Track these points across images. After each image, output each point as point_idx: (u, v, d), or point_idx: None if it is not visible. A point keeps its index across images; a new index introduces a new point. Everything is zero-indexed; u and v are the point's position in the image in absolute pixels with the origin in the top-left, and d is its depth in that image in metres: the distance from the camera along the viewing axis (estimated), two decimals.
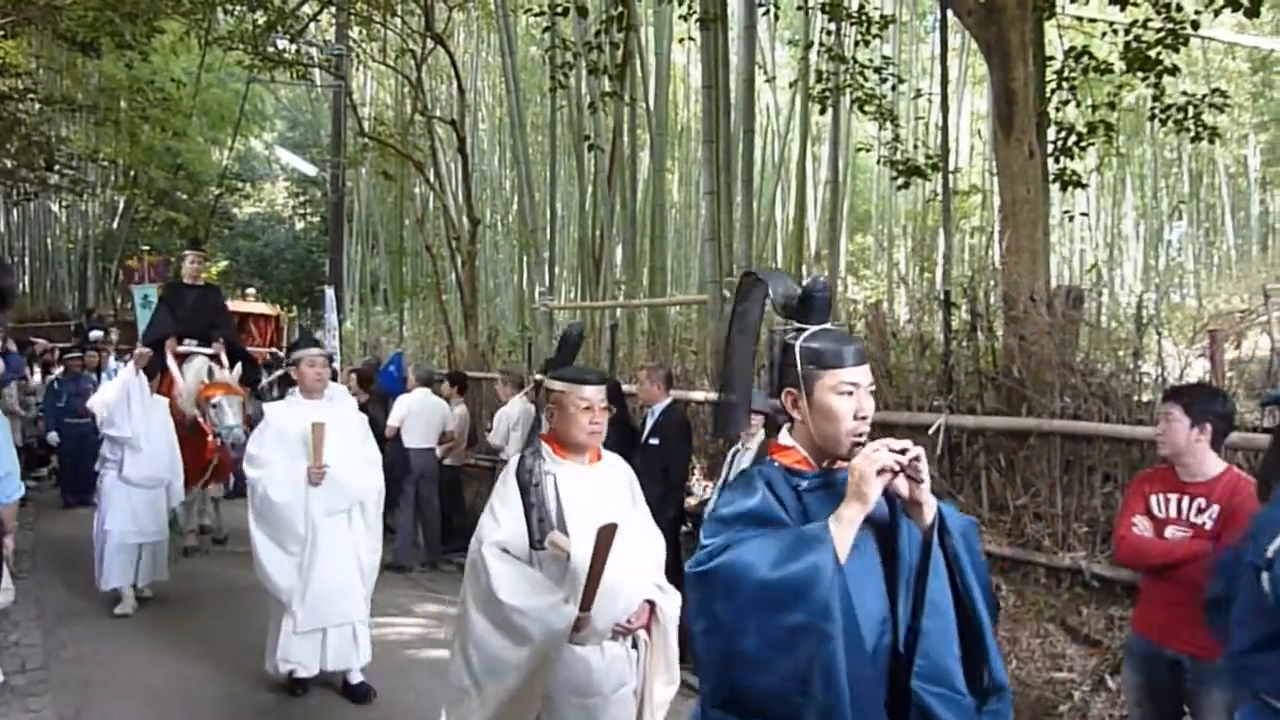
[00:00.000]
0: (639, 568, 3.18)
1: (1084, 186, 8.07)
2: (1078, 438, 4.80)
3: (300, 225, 29.05)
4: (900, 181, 9.63)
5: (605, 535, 2.87)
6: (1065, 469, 4.86)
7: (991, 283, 5.66)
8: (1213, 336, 4.82)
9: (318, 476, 4.87)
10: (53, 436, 11.40)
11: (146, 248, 20.40)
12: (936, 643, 1.89)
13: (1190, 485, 3.28)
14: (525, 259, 15.85)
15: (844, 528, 1.87)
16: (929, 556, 1.96)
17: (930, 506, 1.97)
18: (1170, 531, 3.29)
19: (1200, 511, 3.23)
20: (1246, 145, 21.87)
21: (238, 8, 12.63)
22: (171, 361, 8.17)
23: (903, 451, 1.91)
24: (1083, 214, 12.31)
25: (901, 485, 1.94)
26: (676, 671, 3.27)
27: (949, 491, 5.26)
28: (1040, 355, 5.05)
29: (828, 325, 2.13)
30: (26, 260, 23.74)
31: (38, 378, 13.09)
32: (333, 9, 14.74)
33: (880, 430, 5.64)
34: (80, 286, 24.03)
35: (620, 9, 8.60)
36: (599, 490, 3.25)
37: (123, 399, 6.78)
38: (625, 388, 7.58)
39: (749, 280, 2.23)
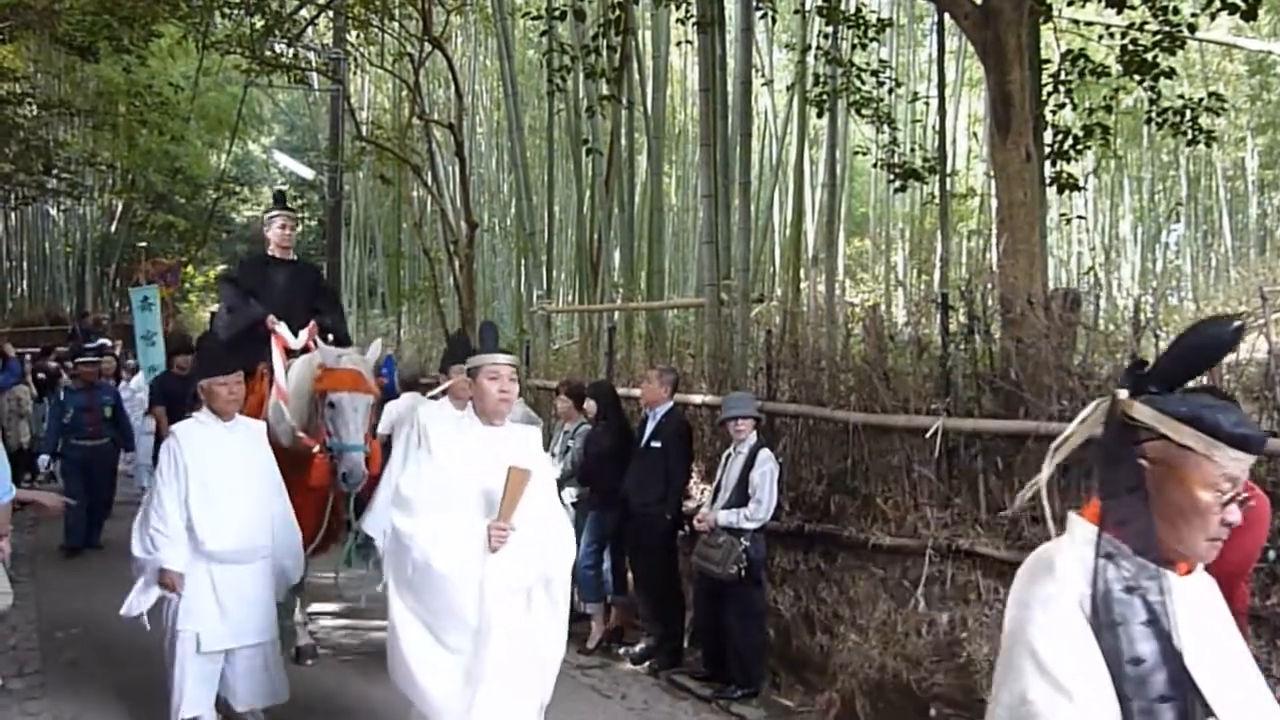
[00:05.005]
0: None
1: (1081, 189, 8.09)
2: None
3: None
4: (897, 185, 9.64)
5: None
6: (1063, 472, 4.86)
7: (989, 285, 5.66)
8: None
9: (500, 539, 3.29)
10: (43, 460, 9.34)
11: (144, 246, 20.43)
12: None
13: None
14: (523, 262, 15.84)
15: None
16: None
17: None
18: None
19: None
20: (1244, 148, 21.90)
21: (235, 12, 12.63)
22: (278, 356, 5.65)
23: None
24: (1080, 217, 12.36)
25: None
26: None
27: (947, 495, 5.27)
28: (1038, 358, 5.05)
29: None
30: (25, 264, 23.77)
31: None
32: (330, 13, 14.76)
33: (877, 433, 5.67)
34: (78, 290, 24.04)
35: (618, 12, 8.61)
36: (1209, 621, 1.72)
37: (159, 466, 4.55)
38: (629, 390, 7.59)
39: None
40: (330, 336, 5.78)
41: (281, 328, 5.77)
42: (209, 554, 4.29)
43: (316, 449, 5.11)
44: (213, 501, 4.31)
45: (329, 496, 5.21)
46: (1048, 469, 1.73)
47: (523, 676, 3.37)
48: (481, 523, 3.30)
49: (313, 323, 5.91)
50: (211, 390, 4.46)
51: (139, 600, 4.35)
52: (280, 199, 6.64)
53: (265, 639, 4.47)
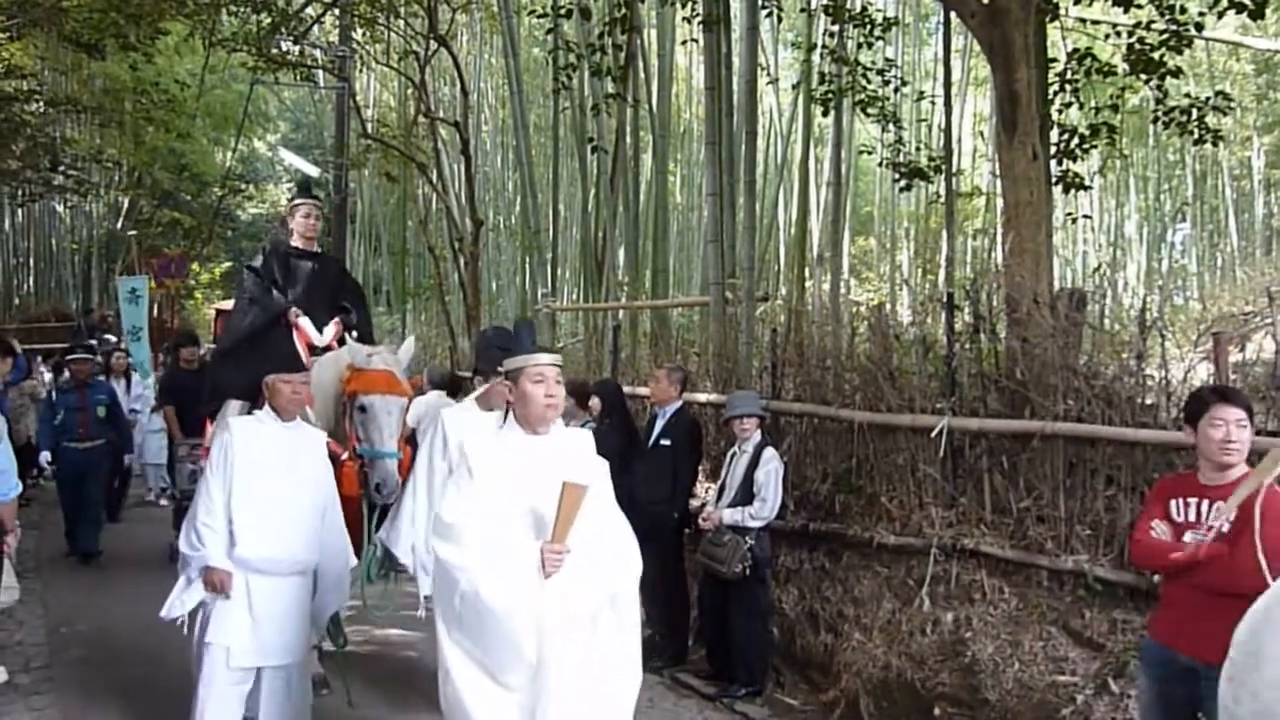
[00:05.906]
0: None
1: (1087, 189, 8.07)
2: (1081, 440, 4.80)
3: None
4: (903, 184, 9.62)
5: None
6: (1068, 472, 4.86)
7: (994, 285, 5.65)
8: (1216, 339, 4.80)
9: (555, 564, 2.94)
10: (44, 457, 8.49)
11: (134, 235, 20.46)
12: None
13: (1211, 489, 3.23)
14: (528, 260, 15.84)
15: None
16: None
17: None
18: (1188, 536, 3.24)
19: (1218, 516, 3.18)
20: (1250, 147, 21.84)
21: (242, 9, 12.64)
22: (301, 348, 5.21)
23: None
24: (1086, 216, 12.32)
25: None
26: None
27: (952, 495, 5.27)
28: (1043, 358, 5.04)
29: None
30: (31, 261, 23.85)
31: (49, 375, 11.62)
32: (336, 11, 14.77)
33: (882, 432, 5.67)
34: (84, 287, 24.12)
35: (623, 11, 8.63)
36: None
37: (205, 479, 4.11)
38: (633, 389, 7.60)
39: None
40: (356, 334, 5.50)
41: (305, 321, 5.45)
42: (241, 560, 3.93)
43: (345, 456, 4.66)
44: (254, 503, 3.96)
45: (361, 508, 4.73)
46: (1247, 488, 1.63)
47: (590, 713, 2.95)
48: (533, 545, 2.96)
49: (338, 319, 5.60)
50: (275, 387, 4.16)
51: (180, 600, 4.00)
52: (305, 187, 6.26)
53: (292, 659, 4.08)
